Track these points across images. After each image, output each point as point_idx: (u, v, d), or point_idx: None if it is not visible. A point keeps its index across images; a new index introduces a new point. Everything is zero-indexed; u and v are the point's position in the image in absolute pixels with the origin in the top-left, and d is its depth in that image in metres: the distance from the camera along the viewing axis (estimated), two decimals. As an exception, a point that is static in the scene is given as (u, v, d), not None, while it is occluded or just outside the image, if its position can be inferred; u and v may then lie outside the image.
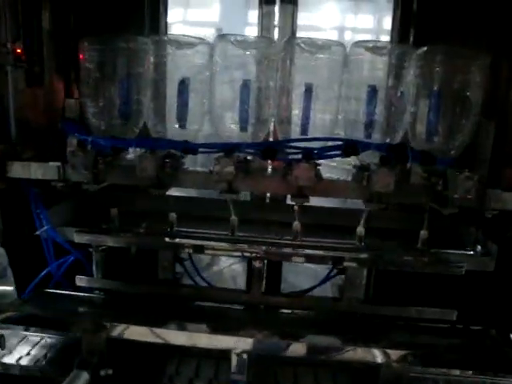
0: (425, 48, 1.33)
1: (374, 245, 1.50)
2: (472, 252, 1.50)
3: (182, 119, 1.38)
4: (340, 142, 1.23)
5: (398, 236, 1.57)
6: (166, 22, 1.70)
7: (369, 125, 1.35)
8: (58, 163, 1.37)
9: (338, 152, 1.22)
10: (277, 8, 1.65)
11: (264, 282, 1.47)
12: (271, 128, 1.44)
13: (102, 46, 1.34)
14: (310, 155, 1.19)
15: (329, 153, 1.21)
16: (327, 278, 1.58)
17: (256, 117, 1.36)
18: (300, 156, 1.25)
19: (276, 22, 1.67)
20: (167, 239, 1.42)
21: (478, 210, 1.32)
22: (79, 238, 1.44)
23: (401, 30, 1.69)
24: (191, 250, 1.44)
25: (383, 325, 1.46)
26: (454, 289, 1.56)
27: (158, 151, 1.28)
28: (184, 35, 1.36)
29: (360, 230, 1.48)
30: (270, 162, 1.33)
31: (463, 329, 1.48)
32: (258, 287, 1.44)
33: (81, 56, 1.39)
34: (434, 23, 1.67)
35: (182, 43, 1.35)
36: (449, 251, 1.49)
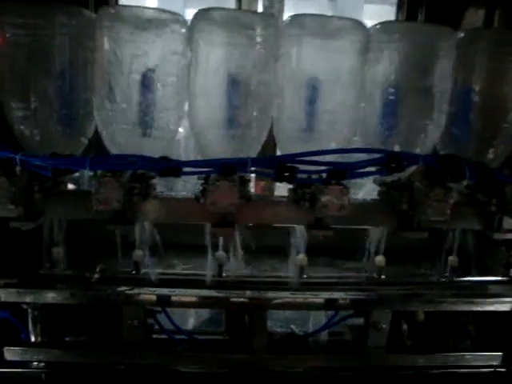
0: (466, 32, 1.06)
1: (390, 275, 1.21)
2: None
3: (146, 126, 1.01)
4: (378, 155, 0.90)
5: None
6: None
7: (392, 131, 1.05)
8: (-30, 193, 0.94)
9: (376, 168, 0.89)
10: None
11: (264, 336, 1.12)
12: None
13: (31, 21, 0.93)
14: (343, 174, 0.85)
15: (365, 169, 0.88)
16: (336, 321, 1.26)
17: (250, 122, 1.01)
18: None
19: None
20: (129, 292, 1.04)
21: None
22: (7, 296, 1.02)
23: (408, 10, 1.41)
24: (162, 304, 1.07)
25: (416, 377, 1.17)
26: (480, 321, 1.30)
27: (123, 172, 0.89)
28: (150, 8, 0.98)
29: (380, 259, 1.17)
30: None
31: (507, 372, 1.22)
32: (259, 343, 1.09)
33: (-1, 37, 0.97)
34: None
35: (148, 21, 0.97)
36: (481, 279, 1.24)
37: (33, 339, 1.11)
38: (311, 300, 1.07)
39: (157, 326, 1.19)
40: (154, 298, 1.03)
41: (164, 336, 1.21)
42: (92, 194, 0.83)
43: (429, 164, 0.92)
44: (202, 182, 0.94)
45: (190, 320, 1.59)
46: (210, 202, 0.83)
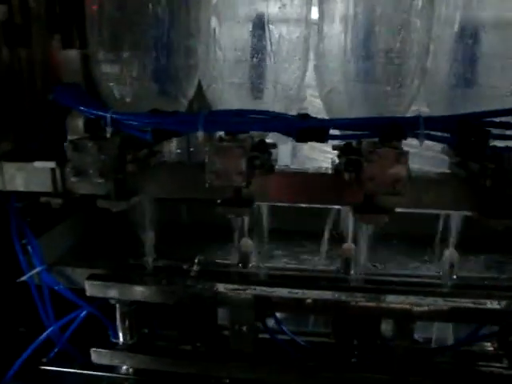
0: None
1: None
2: None
3: (260, 83, 0.79)
4: None
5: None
6: None
7: None
8: (52, 163, 0.76)
9: None
10: None
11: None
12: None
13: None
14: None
15: None
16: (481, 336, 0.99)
17: (396, 76, 0.77)
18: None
19: None
20: (239, 291, 0.83)
21: None
22: (93, 290, 0.85)
23: None
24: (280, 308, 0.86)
25: None
26: None
27: (244, 138, 0.67)
28: None
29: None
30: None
31: None
32: (401, 362, 0.85)
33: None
34: None
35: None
36: None
37: (121, 338, 0.94)
38: (472, 309, 0.81)
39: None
40: (270, 299, 0.82)
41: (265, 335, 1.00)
42: (206, 165, 0.62)
43: None
44: (339, 153, 0.71)
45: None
46: (368, 177, 0.59)
